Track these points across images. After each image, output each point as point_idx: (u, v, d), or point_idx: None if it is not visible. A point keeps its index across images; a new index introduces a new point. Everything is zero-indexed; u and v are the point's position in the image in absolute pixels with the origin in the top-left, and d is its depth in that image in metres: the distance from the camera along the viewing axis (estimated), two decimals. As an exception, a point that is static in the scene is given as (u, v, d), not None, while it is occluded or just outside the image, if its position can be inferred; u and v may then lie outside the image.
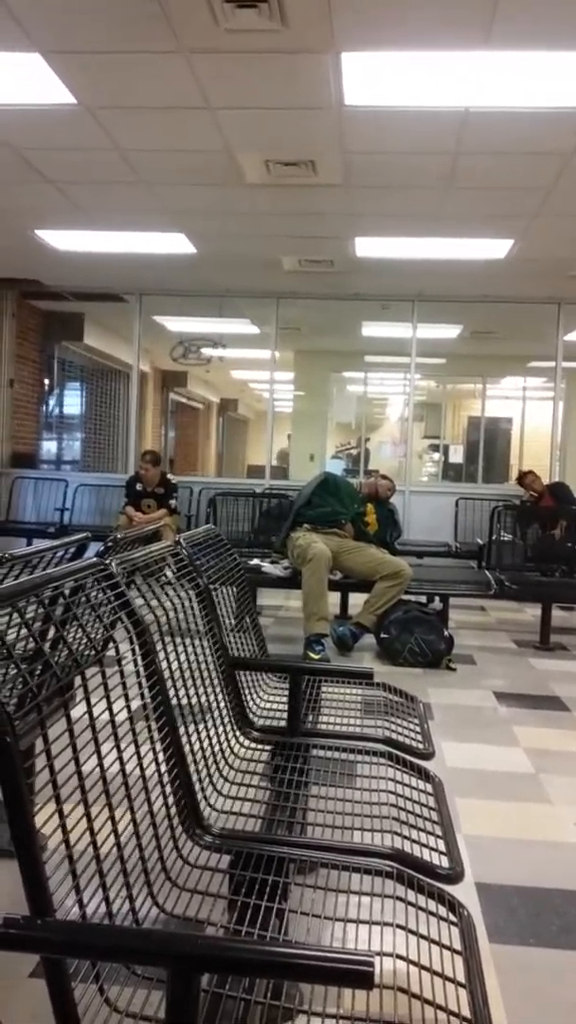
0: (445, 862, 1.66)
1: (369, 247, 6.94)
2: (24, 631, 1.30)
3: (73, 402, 12.10)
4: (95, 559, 1.73)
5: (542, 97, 4.22)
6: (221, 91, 4.29)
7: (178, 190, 5.83)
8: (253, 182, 5.51)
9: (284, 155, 5.10)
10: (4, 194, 6.07)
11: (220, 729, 2.14)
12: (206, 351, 10.83)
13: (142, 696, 1.67)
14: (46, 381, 10.75)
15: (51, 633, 1.45)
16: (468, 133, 4.64)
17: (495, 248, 6.80)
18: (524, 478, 9.00)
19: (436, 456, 14.10)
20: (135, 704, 1.58)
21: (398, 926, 1.42)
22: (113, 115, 4.66)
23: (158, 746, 1.65)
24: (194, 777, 1.78)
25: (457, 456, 13.60)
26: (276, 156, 5.11)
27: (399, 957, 1.34)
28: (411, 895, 1.51)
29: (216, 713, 2.15)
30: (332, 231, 6.61)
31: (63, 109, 4.54)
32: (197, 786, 1.78)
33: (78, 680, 1.42)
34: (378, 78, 4.13)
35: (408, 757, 2.19)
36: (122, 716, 1.49)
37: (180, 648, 1.97)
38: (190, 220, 6.55)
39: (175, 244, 7.09)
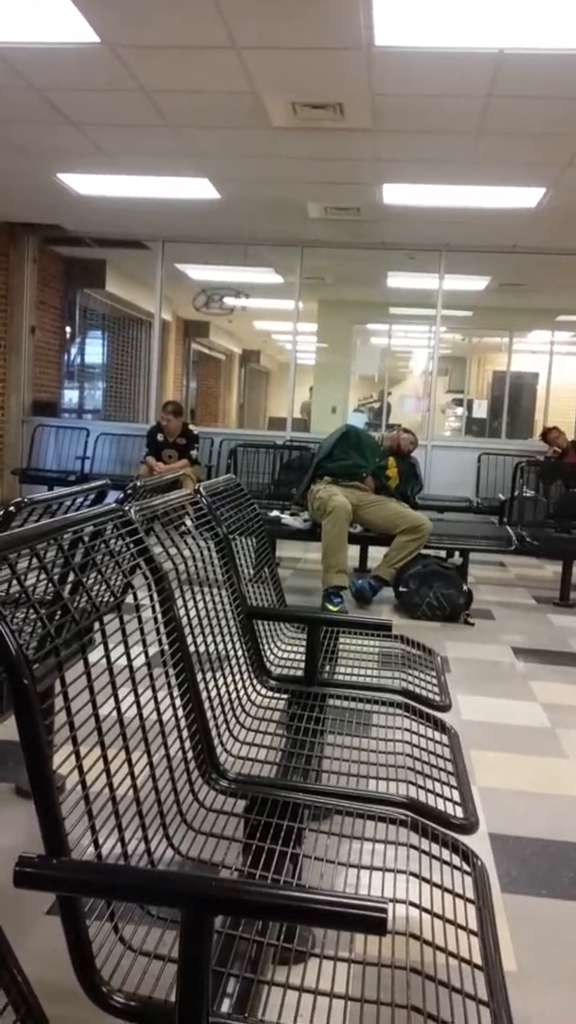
0: (459, 812, 1.66)
1: (397, 194, 6.80)
2: (43, 575, 1.30)
3: (95, 351, 12.05)
4: (114, 505, 1.72)
5: (580, 37, 4.07)
6: (248, 30, 4.17)
7: (202, 133, 5.71)
8: (279, 125, 5.39)
9: (311, 97, 4.97)
10: (26, 136, 5.98)
11: (237, 677, 2.15)
12: (229, 300, 10.72)
13: (160, 643, 1.68)
14: (67, 329, 10.70)
15: (70, 578, 1.45)
16: (502, 76, 4.50)
17: (526, 197, 6.64)
18: (549, 434, 8.92)
19: (459, 411, 13.98)
20: (153, 650, 1.58)
21: (411, 874, 1.43)
22: (137, 54, 4.55)
23: (175, 692, 1.65)
24: (211, 723, 1.79)
25: (481, 411, 13.48)
26: (303, 98, 4.98)
27: (412, 904, 1.35)
28: (425, 844, 1.52)
29: (233, 661, 2.16)
30: (359, 177, 6.47)
31: (86, 47, 4.44)
32: (214, 732, 1.79)
33: (96, 625, 1.41)
34: (410, 18, 3.99)
35: (424, 709, 2.19)
36: (140, 662, 1.49)
37: (198, 596, 1.97)
38: (214, 164, 6.43)
39: (199, 189, 6.98)
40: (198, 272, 10.37)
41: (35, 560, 1.28)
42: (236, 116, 5.31)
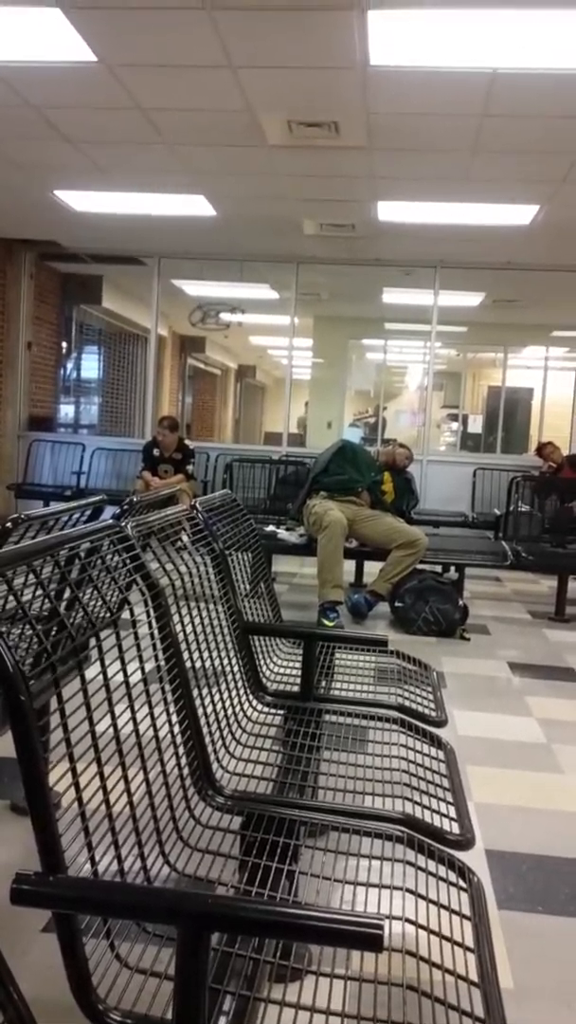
0: (456, 828, 1.66)
1: (392, 211, 6.85)
2: (39, 591, 1.30)
3: (91, 366, 12.08)
4: (111, 521, 1.73)
5: (572, 58, 4.11)
6: (244, 49, 4.21)
7: (199, 151, 5.75)
8: (275, 143, 5.43)
9: (307, 116, 5.01)
10: (23, 153, 6.02)
11: (233, 693, 2.15)
12: (225, 316, 10.76)
13: (156, 659, 1.68)
14: (64, 344, 10.73)
15: (66, 594, 1.45)
16: (495, 95, 4.54)
17: (520, 214, 6.69)
18: (543, 449, 8.94)
19: (455, 426, 14.01)
20: (149, 666, 1.59)
21: (407, 890, 1.43)
22: (133, 73, 4.58)
23: (171, 708, 1.65)
24: (207, 739, 1.79)
25: (476, 426, 13.51)
26: (299, 117, 5.03)
27: (408, 921, 1.35)
28: (421, 860, 1.52)
29: (230, 677, 2.16)
30: (354, 195, 6.51)
31: (83, 67, 4.47)
32: (210, 748, 1.79)
33: (92, 641, 1.42)
34: (404, 38, 4.04)
35: (420, 724, 2.19)
36: (136, 678, 1.49)
37: (195, 612, 1.97)
38: (210, 182, 6.47)
39: (195, 206, 7.02)
40: (194, 288, 10.41)
41: (32, 576, 1.28)
42: (232, 134, 5.35)
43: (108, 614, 1.51)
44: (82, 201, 7.12)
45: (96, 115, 5.22)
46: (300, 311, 9.66)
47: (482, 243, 7.70)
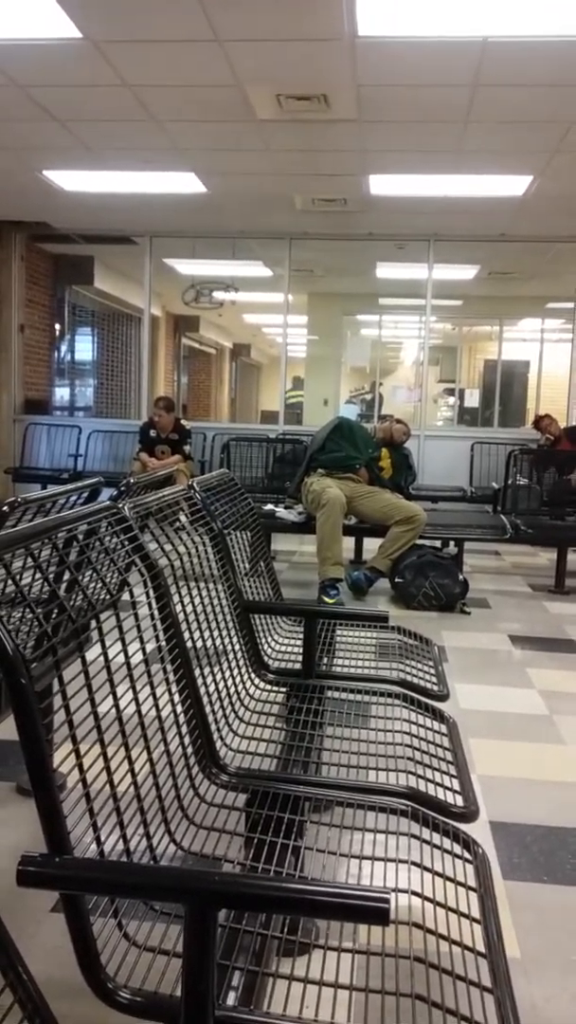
0: (460, 801, 1.67)
1: (383, 185, 6.78)
2: (38, 574, 1.30)
3: (85, 347, 12.02)
4: (108, 503, 1.72)
5: (564, 25, 4.06)
6: (230, 22, 4.15)
7: (188, 127, 5.69)
8: (264, 118, 5.37)
9: (296, 89, 4.95)
10: (10, 133, 5.95)
11: (235, 671, 2.15)
12: (218, 295, 10.69)
13: (157, 639, 1.68)
14: (57, 326, 10.66)
15: (65, 576, 1.45)
16: (486, 64, 4.49)
17: (514, 185, 6.63)
18: (541, 422, 8.92)
19: (451, 400, 13.98)
20: (150, 647, 1.58)
21: (413, 863, 1.43)
22: (120, 49, 4.52)
23: (173, 688, 1.65)
24: (210, 718, 1.79)
25: (473, 400, 13.48)
26: (288, 90, 4.97)
27: (414, 894, 1.36)
28: (426, 833, 1.52)
29: (231, 656, 2.16)
30: (346, 168, 6.45)
31: (68, 43, 4.41)
32: (213, 726, 1.80)
33: (93, 623, 1.41)
34: (392, 7, 3.98)
35: (422, 699, 2.20)
36: (137, 658, 1.49)
37: (194, 592, 1.97)
38: (200, 158, 6.41)
39: (185, 184, 6.95)
40: (187, 267, 10.34)
41: (30, 559, 1.28)
42: (221, 109, 5.29)
43: (108, 596, 1.51)
44: (72, 181, 7.05)
45: (83, 93, 5.15)
46: (294, 288, 9.60)
47: (476, 215, 7.64)
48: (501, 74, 4.61)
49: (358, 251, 9.30)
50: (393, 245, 8.89)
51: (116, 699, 1.36)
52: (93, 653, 1.35)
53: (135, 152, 6.27)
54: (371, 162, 6.28)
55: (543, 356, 12.75)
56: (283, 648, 2.65)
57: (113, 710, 1.35)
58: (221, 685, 1.98)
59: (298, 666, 2.42)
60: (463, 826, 1.58)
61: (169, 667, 1.67)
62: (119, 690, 1.38)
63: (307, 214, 7.78)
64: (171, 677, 1.66)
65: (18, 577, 1.21)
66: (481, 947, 1.26)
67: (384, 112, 5.25)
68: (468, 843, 1.52)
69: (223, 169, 6.62)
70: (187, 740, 1.65)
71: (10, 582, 1.20)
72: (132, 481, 2.94)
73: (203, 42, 4.35)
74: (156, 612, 1.68)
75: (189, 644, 1.79)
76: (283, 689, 2.29)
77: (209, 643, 1.99)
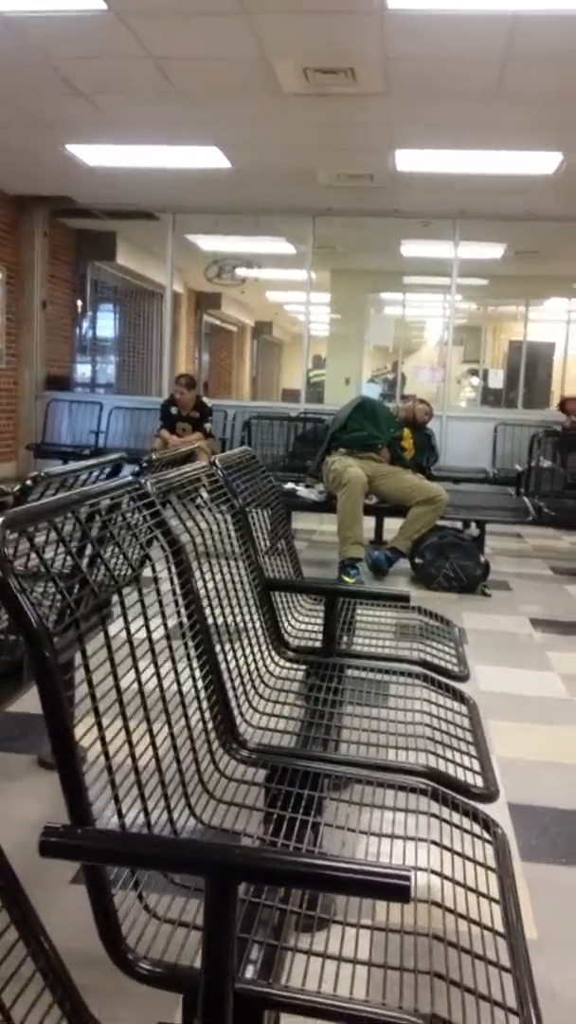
0: (479, 781, 1.67)
1: (410, 160, 6.71)
2: (61, 548, 1.30)
3: (106, 324, 12.01)
4: (131, 478, 1.72)
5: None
6: (258, -8, 4.10)
7: (212, 100, 5.64)
8: (290, 91, 5.31)
9: (323, 62, 4.90)
10: (34, 107, 5.92)
11: (255, 648, 2.15)
12: (240, 271, 10.64)
13: (178, 615, 1.68)
14: (79, 302, 10.66)
15: (88, 551, 1.45)
16: (517, 39, 4.41)
17: (543, 162, 6.53)
18: (566, 404, 8.84)
19: (475, 381, 13.87)
20: (172, 623, 1.59)
21: (432, 842, 1.43)
22: (144, 21, 4.48)
23: (194, 663, 1.66)
24: (230, 694, 1.79)
25: (497, 381, 13.35)
26: (314, 63, 4.91)
27: (433, 872, 1.36)
28: (445, 812, 1.52)
29: (251, 633, 2.16)
30: (372, 143, 6.38)
31: (92, 14, 4.38)
32: (233, 702, 1.80)
33: (115, 598, 1.41)
34: (423, -24, 3.92)
35: (443, 679, 2.19)
36: (159, 634, 1.49)
37: (216, 569, 1.97)
38: (225, 132, 6.36)
39: (209, 158, 6.91)
40: (209, 243, 10.29)
41: (54, 533, 1.28)
42: (246, 82, 5.24)
43: (130, 571, 1.51)
44: (95, 156, 7.02)
45: (107, 65, 5.12)
46: (316, 265, 9.53)
47: (503, 193, 7.54)
48: (532, 49, 4.53)
49: (382, 228, 9.21)
50: (418, 222, 8.80)
51: (138, 673, 1.36)
52: (115, 628, 1.35)
53: (159, 126, 6.23)
54: (398, 137, 6.20)
55: (569, 337, 12.59)
56: (303, 626, 2.65)
57: (135, 685, 1.35)
58: (242, 662, 1.99)
59: (318, 644, 2.42)
60: (482, 806, 1.57)
61: (190, 643, 1.67)
62: (140, 665, 1.38)
63: (331, 190, 7.70)
64: (192, 653, 1.66)
65: (42, 551, 1.21)
66: (500, 927, 1.26)
67: (412, 86, 5.18)
68: (487, 823, 1.52)
69: (247, 143, 6.57)
70: (207, 715, 1.65)
71: (34, 556, 1.20)
72: (154, 457, 2.94)
73: (229, 14, 4.31)
74: (178, 588, 1.68)
75: (210, 620, 1.79)
76: (303, 667, 2.28)
77: (230, 620, 1.99)
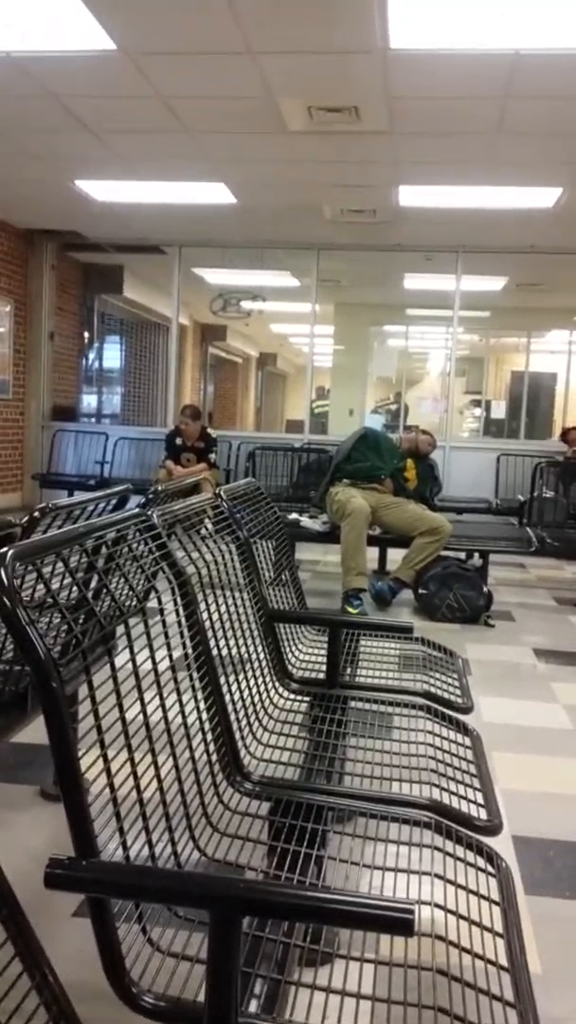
0: (483, 814, 1.66)
1: (413, 196, 6.80)
2: (68, 580, 1.31)
3: (113, 355, 12.11)
4: (137, 510, 1.74)
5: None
6: (263, 35, 4.19)
7: (219, 138, 5.74)
8: (295, 129, 5.41)
9: (327, 101, 4.99)
10: (44, 144, 6.03)
11: (260, 680, 2.16)
12: (245, 304, 10.74)
13: (183, 646, 1.69)
14: (86, 334, 10.76)
15: (94, 582, 1.46)
16: (518, 76, 4.50)
17: (543, 197, 6.62)
18: (568, 434, 8.87)
19: (477, 412, 13.92)
20: (177, 654, 1.60)
21: (436, 876, 1.43)
22: (153, 61, 4.58)
23: (199, 695, 1.66)
24: (234, 725, 1.80)
25: (499, 412, 13.40)
26: (319, 102, 5.00)
27: (437, 906, 1.36)
28: (449, 846, 1.52)
29: (256, 664, 2.16)
30: (375, 180, 6.48)
31: (102, 55, 4.48)
32: (237, 734, 1.80)
33: (121, 629, 1.43)
34: (425, 20, 4.01)
35: (446, 711, 2.19)
36: (164, 665, 1.50)
37: (220, 600, 1.98)
38: (231, 169, 6.46)
39: (216, 194, 7.01)
40: (215, 276, 10.40)
41: (61, 565, 1.29)
42: (252, 121, 5.33)
43: (136, 602, 1.52)
44: (103, 191, 7.13)
45: (116, 104, 5.22)
46: (321, 298, 9.62)
47: (505, 227, 7.64)
48: (532, 86, 4.62)
49: (386, 262, 9.31)
50: (421, 256, 8.90)
51: (143, 705, 1.37)
52: (121, 659, 1.36)
53: (166, 162, 6.34)
54: (401, 173, 6.30)
55: (571, 368, 12.66)
56: (307, 657, 2.65)
57: (140, 716, 1.36)
58: (246, 693, 1.99)
59: (322, 676, 2.42)
60: (486, 839, 1.57)
61: (195, 674, 1.68)
62: (146, 696, 1.39)
63: (336, 225, 7.81)
64: (197, 684, 1.67)
65: (48, 582, 1.23)
66: (504, 961, 1.26)
67: (415, 124, 5.27)
68: (491, 856, 1.52)
69: (253, 180, 6.67)
70: (212, 747, 1.65)
71: (41, 586, 1.22)
72: (159, 488, 2.96)
73: (236, 54, 4.40)
74: (183, 619, 1.69)
75: (215, 652, 1.80)
76: (307, 698, 2.29)
77: (234, 651, 2.00)
